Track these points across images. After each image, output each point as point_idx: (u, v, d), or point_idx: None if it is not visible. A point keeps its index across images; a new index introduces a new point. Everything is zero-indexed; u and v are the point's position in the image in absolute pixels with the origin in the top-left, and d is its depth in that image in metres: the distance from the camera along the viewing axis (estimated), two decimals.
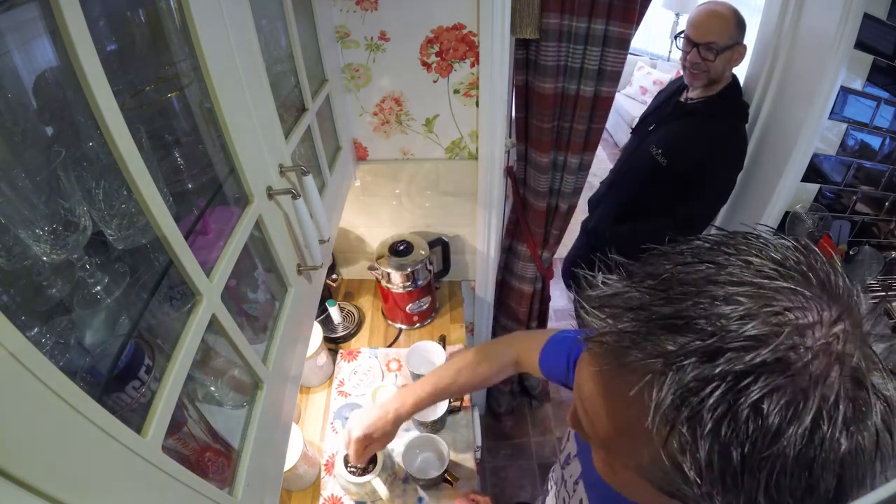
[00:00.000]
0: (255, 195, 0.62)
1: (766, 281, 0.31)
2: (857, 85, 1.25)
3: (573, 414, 0.44)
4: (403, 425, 1.26)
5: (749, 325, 0.29)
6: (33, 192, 0.39)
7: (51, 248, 0.41)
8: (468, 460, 1.21)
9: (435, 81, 1.20)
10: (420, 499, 1.14)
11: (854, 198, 1.47)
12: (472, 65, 1.17)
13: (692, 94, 1.52)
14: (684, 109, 1.53)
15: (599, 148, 1.71)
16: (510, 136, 1.43)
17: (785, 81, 1.37)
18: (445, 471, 1.13)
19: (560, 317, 2.78)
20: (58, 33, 0.33)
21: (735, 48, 1.38)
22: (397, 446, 1.21)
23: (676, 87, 1.62)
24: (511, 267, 1.76)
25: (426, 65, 1.17)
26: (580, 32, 1.17)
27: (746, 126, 1.48)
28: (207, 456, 0.55)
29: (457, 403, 1.28)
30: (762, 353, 0.28)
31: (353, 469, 1.05)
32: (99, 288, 0.47)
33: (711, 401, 0.29)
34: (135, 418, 0.40)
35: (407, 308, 1.46)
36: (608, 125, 4.22)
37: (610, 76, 1.23)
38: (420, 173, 1.38)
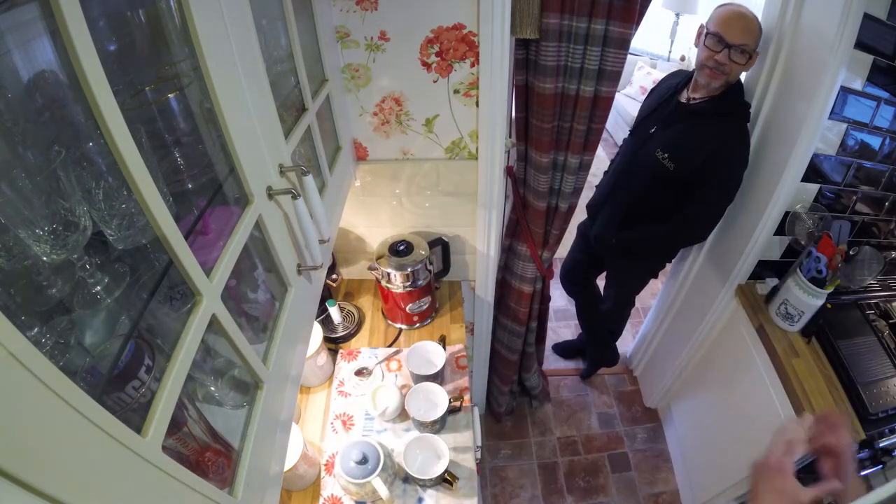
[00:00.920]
0: (255, 195, 0.62)
1: None
2: (857, 85, 1.25)
3: None
4: (402, 425, 1.27)
5: None
6: (33, 192, 0.39)
7: (51, 248, 0.41)
8: (468, 460, 1.21)
9: (435, 81, 1.20)
10: (420, 499, 1.14)
11: (854, 198, 1.47)
12: (472, 65, 1.17)
13: (695, 93, 1.51)
14: (687, 110, 1.52)
15: (599, 148, 1.71)
16: (510, 136, 1.43)
17: (785, 81, 1.37)
18: (445, 471, 1.13)
19: (560, 317, 2.78)
20: (58, 33, 0.33)
21: (756, 53, 1.38)
22: (397, 446, 1.21)
23: (674, 87, 1.60)
24: (511, 267, 1.76)
25: (426, 65, 1.17)
26: (580, 32, 1.17)
27: (747, 125, 1.48)
28: (207, 456, 0.55)
29: (457, 403, 1.28)
30: None
31: None
32: (99, 288, 0.47)
33: None
34: (135, 418, 0.40)
35: (407, 308, 1.46)
36: (608, 125, 4.23)
37: (610, 76, 1.23)
38: (420, 173, 1.38)
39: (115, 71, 0.47)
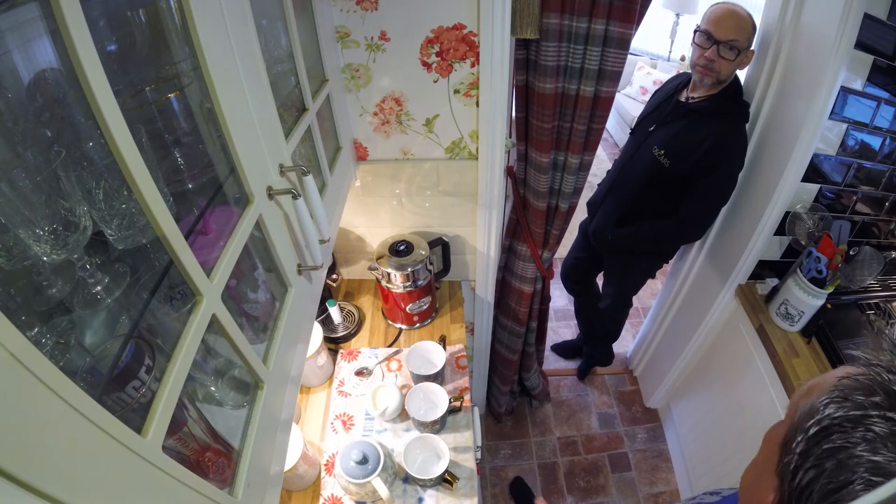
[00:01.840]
0: (255, 195, 0.62)
1: None
2: (857, 85, 1.25)
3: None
4: (402, 425, 1.27)
5: None
6: (33, 192, 0.39)
7: (51, 248, 0.41)
8: (468, 460, 1.21)
9: (435, 81, 1.20)
10: (420, 499, 1.14)
11: (854, 198, 1.47)
12: (473, 65, 1.17)
13: (694, 92, 1.52)
14: (685, 109, 1.53)
15: (599, 148, 1.71)
16: (510, 136, 1.43)
17: (785, 81, 1.37)
18: (445, 471, 1.13)
19: (560, 317, 2.79)
20: (58, 33, 0.33)
21: (748, 52, 1.39)
22: (397, 446, 1.21)
23: (675, 87, 1.61)
24: (511, 267, 1.76)
25: (426, 65, 1.17)
26: (580, 32, 1.17)
27: (746, 126, 1.48)
28: (207, 456, 0.55)
29: (457, 404, 1.28)
30: None
31: None
32: (99, 288, 0.47)
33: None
34: (135, 418, 0.40)
35: (407, 308, 1.46)
36: (608, 125, 4.23)
37: (610, 76, 1.23)
38: (420, 173, 1.38)
39: (115, 71, 0.47)
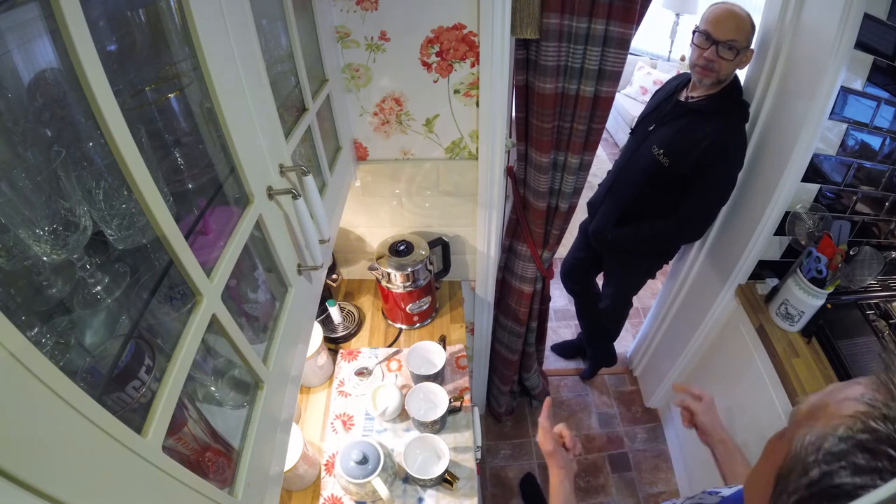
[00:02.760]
0: (255, 195, 0.62)
1: None
2: (857, 85, 1.25)
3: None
4: (402, 425, 1.27)
5: None
6: (33, 192, 0.39)
7: (51, 248, 0.41)
8: (468, 460, 1.21)
9: (435, 81, 1.20)
10: (420, 499, 1.14)
11: (854, 198, 1.47)
12: (473, 65, 1.17)
13: (693, 92, 1.52)
14: (685, 108, 1.53)
15: (599, 148, 1.71)
16: (510, 136, 1.43)
17: (785, 81, 1.37)
18: (445, 471, 1.13)
19: (560, 317, 2.79)
20: (58, 33, 0.33)
21: (747, 51, 1.39)
22: (397, 446, 1.21)
23: (674, 87, 1.61)
24: (511, 267, 1.76)
25: (426, 65, 1.17)
26: (580, 32, 1.17)
27: (746, 126, 1.48)
28: (207, 456, 0.55)
29: (457, 404, 1.28)
30: None
31: None
32: (99, 288, 0.47)
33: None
34: (135, 418, 0.40)
35: (407, 308, 1.46)
36: (608, 125, 4.22)
37: (610, 76, 1.23)
38: (420, 173, 1.38)
39: (115, 71, 0.47)
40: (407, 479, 1.16)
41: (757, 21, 1.40)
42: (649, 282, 2.07)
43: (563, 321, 2.77)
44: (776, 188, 1.40)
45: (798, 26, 1.28)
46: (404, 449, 1.15)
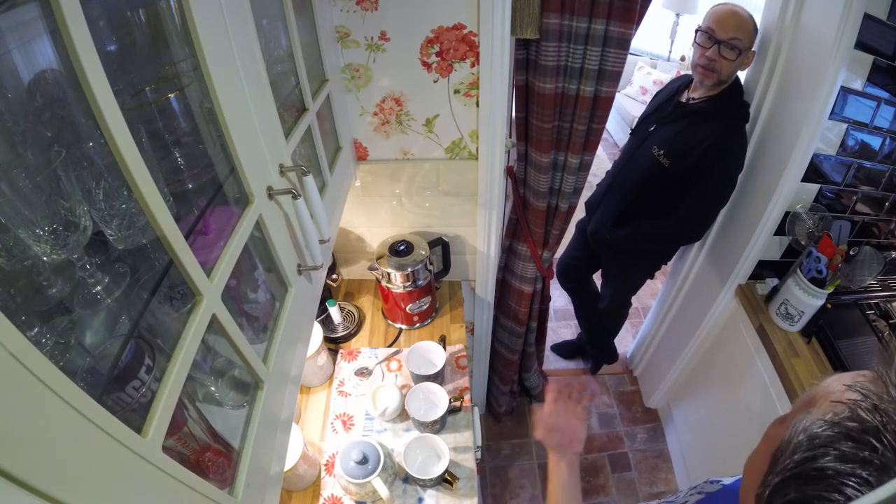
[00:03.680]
0: (255, 195, 0.62)
1: None
2: (857, 85, 1.25)
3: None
4: (402, 425, 1.27)
5: None
6: (33, 192, 0.39)
7: (51, 248, 0.41)
8: (468, 460, 1.21)
9: (435, 81, 1.20)
10: (420, 499, 1.14)
11: (854, 198, 1.47)
12: (473, 65, 1.17)
13: (694, 93, 1.52)
14: (685, 109, 1.53)
15: (599, 148, 1.71)
16: (510, 136, 1.43)
17: (785, 81, 1.37)
18: (445, 471, 1.13)
19: (560, 317, 2.78)
20: (58, 33, 0.33)
21: (749, 52, 1.39)
22: (397, 446, 1.21)
23: (676, 88, 1.62)
24: (511, 267, 1.76)
25: (426, 65, 1.17)
26: (580, 32, 1.17)
27: (746, 126, 1.48)
28: (207, 456, 0.55)
29: (457, 404, 1.28)
30: None
31: None
32: (99, 288, 0.47)
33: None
34: (135, 418, 0.40)
35: (407, 308, 1.46)
36: (608, 125, 4.23)
37: (610, 76, 1.23)
38: (420, 173, 1.38)
39: (115, 71, 0.47)
40: (407, 479, 1.16)
41: (757, 21, 1.40)
42: (649, 282, 2.07)
43: (563, 321, 2.77)
44: (776, 188, 1.40)
45: (798, 26, 1.28)
46: (404, 449, 1.15)
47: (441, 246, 1.52)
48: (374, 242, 1.55)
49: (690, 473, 2.00)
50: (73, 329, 0.45)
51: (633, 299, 2.21)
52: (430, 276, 1.45)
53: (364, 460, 1.07)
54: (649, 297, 2.80)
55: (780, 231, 1.50)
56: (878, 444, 0.31)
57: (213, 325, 0.52)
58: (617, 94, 1.45)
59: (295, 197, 0.70)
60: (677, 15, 4.08)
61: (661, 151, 1.54)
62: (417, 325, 1.53)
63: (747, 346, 1.59)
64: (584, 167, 1.45)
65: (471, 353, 1.92)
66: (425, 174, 1.38)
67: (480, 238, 1.52)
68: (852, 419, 0.33)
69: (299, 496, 1.16)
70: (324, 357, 1.36)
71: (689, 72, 1.53)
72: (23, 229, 0.39)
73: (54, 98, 0.43)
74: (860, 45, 1.16)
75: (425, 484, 1.15)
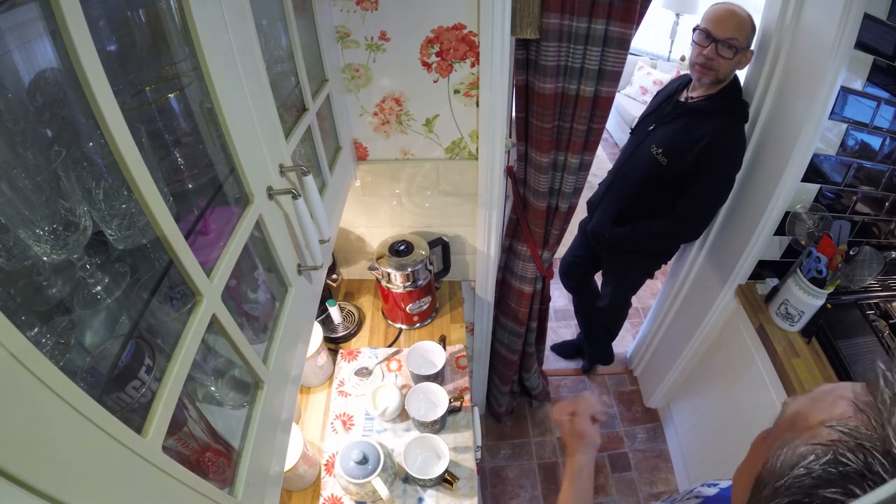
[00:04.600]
0: (255, 195, 0.62)
1: None
2: (857, 85, 1.25)
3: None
4: (402, 425, 1.27)
5: None
6: (33, 192, 0.39)
7: (51, 248, 0.41)
8: (468, 460, 1.21)
9: (435, 81, 1.20)
10: (420, 499, 1.14)
11: (854, 198, 1.47)
12: (473, 65, 1.17)
13: (693, 93, 1.53)
14: (684, 108, 1.53)
15: (599, 148, 1.71)
16: (510, 136, 1.43)
17: (785, 81, 1.37)
18: (445, 471, 1.13)
19: (560, 317, 2.78)
20: (58, 33, 0.33)
21: (747, 51, 1.39)
22: (397, 446, 1.21)
23: (675, 88, 1.62)
24: (511, 267, 1.76)
25: (426, 65, 1.17)
26: (580, 32, 1.17)
27: (746, 126, 1.48)
28: (208, 456, 0.55)
29: (457, 404, 1.28)
30: None
31: None
32: (99, 288, 0.47)
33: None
34: (135, 418, 0.40)
35: (407, 308, 1.46)
36: (608, 125, 4.23)
37: (610, 76, 1.23)
38: (420, 173, 1.38)
39: (115, 71, 0.47)
40: (407, 479, 1.16)
41: (757, 21, 1.41)
42: (649, 282, 2.07)
43: (563, 321, 2.77)
44: (776, 188, 1.40)
45: (798, 26, 1.28)
46: (404, 449, 1.15)
47: (441, 246, 1.52)
48: (374, 242, 1.55)
49: (690, 473, 2.00)
50: (73, 329, 0.45)
51: (633, 299, 2.21)
52: (430, 276, 1.45)
53: (364, 460, 1.07)
54: (649, 297, 2.80)
55: (780, 231, 1.50)
56: (858, 491, 0.31)
57: (213, 325, 0.52)
58: (617, 94, 1.46)
59: (295, 197, 0.70)
60: (677, 15, 4.08)
61: (660, 150, 1.54)
62: (417, 325, 1.53)
63: (747, 347, 1.59)
64: (584, 167, 1.45)
65: (471, 353, 1.92)
66: (425, 174, 1.38)
67: (480, 238, 1.52)
68: (834, 463, 0.33)
69: (299, 496, 1.16)
70: (324, 357, 1.36)
71: (689, 71, 1.54)
72: (23, 229, 0.39)
73: (54, 98, 0.43)
74: (860, 45, 1.16)
75: (425, 484, 1.15)
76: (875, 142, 1.36)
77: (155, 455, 0.40)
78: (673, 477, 2.11)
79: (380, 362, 1.41)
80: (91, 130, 0.42)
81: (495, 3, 1.05)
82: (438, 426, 1.24)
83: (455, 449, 1.22)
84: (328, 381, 1.39)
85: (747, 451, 0.48)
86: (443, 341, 1.46)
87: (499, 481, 2.11)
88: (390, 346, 1.49)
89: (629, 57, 1.34)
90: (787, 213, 1.46)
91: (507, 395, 2.18)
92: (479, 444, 1.27)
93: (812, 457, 0.34)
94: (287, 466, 1.05)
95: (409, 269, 1.37)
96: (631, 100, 4.26)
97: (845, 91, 1.24)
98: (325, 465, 1.20)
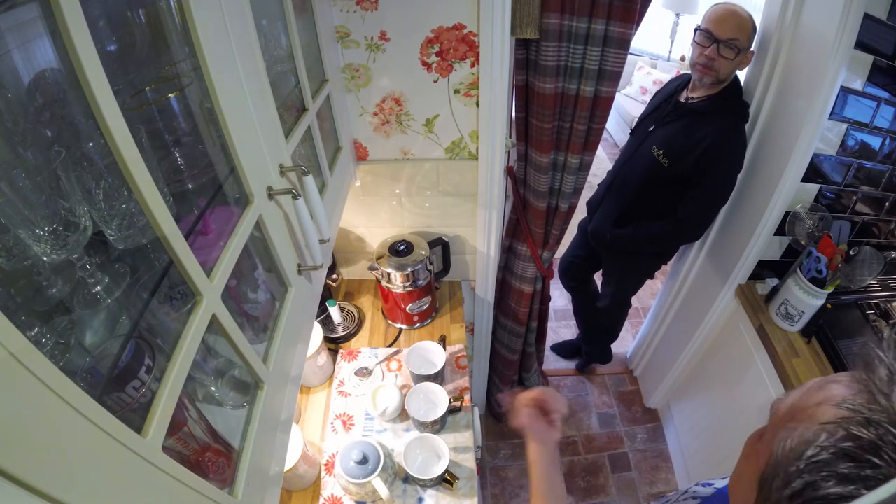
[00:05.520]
0: (255, 195, 0.62)
1: None
2: (857, 85, 1.25)
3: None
4: (402, 425, 1.27)
5: None
6: (33, 192, 0.39)
7: (51, 248, 0.41)
8: (468, 460, 1.21)
9: (435, 81, 1.20)
10: (420, 499, 1.14)
11: (854, 198, 1.47)
12: (473, 65, 1.17)
13: (693, 93, 1.53)
14: (685, 109, 1.53)
15: (599, 148, 1.71)
16: (510, 136, 1.43)
17: (785, 81, 1.37)
18: (445, 471, 1.13)
19: (560, 317, 2.78)
20: (58, 33, 0.33)
21: (748, 52, 1.39)
22: (397, 446, 1.21)
23: (675, 88, 1.62)
24: (511, 267, 1.76)
25: (426, 65, 1.17)
26: (580, 32, 1.17)
27: (746, 126, 1.48)
28: (207, 456, 0.55)
29: (457, 404, 1.28)
30: None
31: None
32: (99, 288, 0.47)
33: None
34: (135, 418, 0.40)
35: (407, 308, 1.46)
36: (608, 125, 4.23)
37: (610, 76, 1.23)
38: (420, 173, 1.38)
39: (115, 71, 0.47)
40: (407, 479, 1.16)
41: (757, 21, 1.41)
42: (649, 282, 2.06)
43: (563, 321, 2.77)
44: (776, 188, 1.40)
45: (798, 26, 1.28)
46: (404, 449, 1.15)
47: (441, 246, 1.52)
48: (374, 242, 1.55)
49: (690, 473, 2.00)
50: (73, 329, 0.45)
51: (633, 299, 2.21)
52: (430, 276, 1.45)
53: (364, 460, 1.07)
54: (649, 297, 2.80)
55: (780, 231, 1.50)
56: (878, 461, 0.31)
57: (213, 325, 0.52)
58: (617, 94, 1.45)
59: (295, 197, 0.70)
60: (677, 15, 4.08)
61: (661, 151, 1.54)
62: (417, 325, 1.53)
63: (747, 346, 1.59)
64: (584, 167, 1.45)
65: (471, 353, 1.92)
66: (425, 174, 1.38)
67: (480, 238, 1.52)
68: (847, 438, 0.32)
69: (299, 496, 1.16)
70: (324, 357, 1.36)
71: (689, 71, 1.54)
72: (23, 229, 0.39)
73: (54, 98, 0.43)
74: (860, 45, 1.16)
75: (425, 484, 1.15)
76: (875, 142, 1.36)
77: (155, 455, 0.40)
78: (673, 477, 2.11)
79: (380, 362, 1.41)
80: (91, 130, 0.42)
81: (495, 4, 1.05)
82: (438, 426, 1.24)
83: (455, 449, 1.22)
84: (328, 381, 1.39)
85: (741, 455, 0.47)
86: (443, 341, 1.46)
87: (499, 481, 2.11)
88: (390, 346, 1.49)
89: (629, 57, 1.34)
90: (787, 213, 1.46)
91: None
92: (479, 444, 1.27)
93: (824, 435, 0.34)
94: (287, 466, 1.05)
95: (409, 269, 1.37)
96: (631, 100, 4.26)
97: (845, 91, 1.24)
98: (325, 465, 1.20)
